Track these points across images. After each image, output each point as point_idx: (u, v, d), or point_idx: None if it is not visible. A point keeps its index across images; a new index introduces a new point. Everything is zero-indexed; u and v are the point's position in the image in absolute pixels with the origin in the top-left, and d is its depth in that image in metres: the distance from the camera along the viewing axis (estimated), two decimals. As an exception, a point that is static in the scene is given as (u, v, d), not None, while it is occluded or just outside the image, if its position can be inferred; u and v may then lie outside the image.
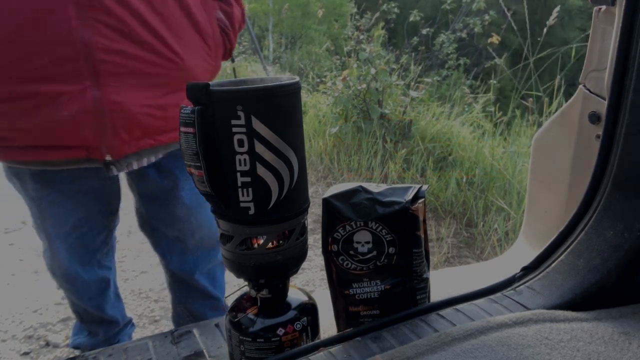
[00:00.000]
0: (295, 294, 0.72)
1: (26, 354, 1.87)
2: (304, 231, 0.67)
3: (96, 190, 1.13)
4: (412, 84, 4.38)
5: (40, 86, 0.88)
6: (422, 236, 0.71)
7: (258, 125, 0.58)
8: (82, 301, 1.30)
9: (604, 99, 0.83)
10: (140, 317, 1.91)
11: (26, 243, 2.42)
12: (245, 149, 0.58)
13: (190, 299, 1.33)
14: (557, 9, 3.21)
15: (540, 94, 3.12)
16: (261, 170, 0.59)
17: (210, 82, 0.59)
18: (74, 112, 0.90)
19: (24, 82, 0.88)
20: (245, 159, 0.59)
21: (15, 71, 0.87)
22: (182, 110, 0.60)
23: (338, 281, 0.73)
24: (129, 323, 1.46)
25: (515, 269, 0.79)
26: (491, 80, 4.32)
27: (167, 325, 1.81)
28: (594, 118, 0.87)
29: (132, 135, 0.98)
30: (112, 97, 0.92)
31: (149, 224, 1.26)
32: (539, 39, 3.20)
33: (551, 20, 3.17)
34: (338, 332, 0.74)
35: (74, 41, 0.86)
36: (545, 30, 3.19)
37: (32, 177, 1.06)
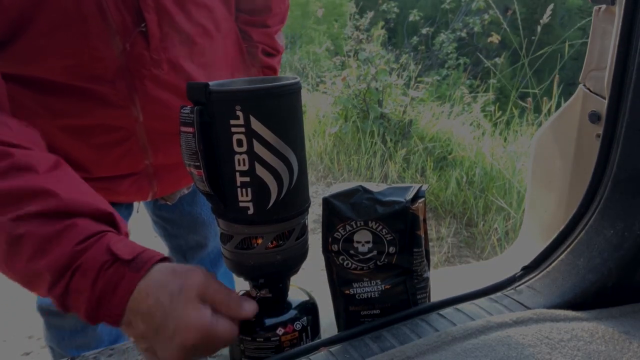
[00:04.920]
0: (295, 294, 0.72)
1: (27, 354, 1.88)
2: (304, 231, 0.67)
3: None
4: (412, 83, 4.38)
5: (102, 183, 0.93)
6: (423, 236, 0.71)
7: (257, 126, 0.58)
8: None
9: (604, 98, 0.83)
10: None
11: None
12: (244, 149, 0.58)
13: None
14: (551, 7, 3.21)
15: (535, 90, 3.12)
16: (260, 170, 0.59)
17: (209, 82, 0.59)
18: (131, 194, 0.97)
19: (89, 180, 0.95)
20: (244, 159, 0.59)
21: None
22: (181, 110, 0.60)
23: (338, 281, 0.73)
24: None
25: (515, 269, 0.79)
26: (491, 80, 4.32)
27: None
28: (594, 117, 0.87)
29: (177, 185, 1.05)
30: (162, 164, 0.96)
31: (166, 229, 1.23)
32: (533, 37, 3.21)
33: (545, 19, 3.18)
34: (338, 331, 0.74)
35: (137, 156, 0.92)
36: (539, 28, 3.20)
37: None
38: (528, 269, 0.77)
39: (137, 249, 0.60)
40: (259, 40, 1.06)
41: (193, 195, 1.15)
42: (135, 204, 1.15)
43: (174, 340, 0.56)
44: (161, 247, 1.31)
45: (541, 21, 3.18)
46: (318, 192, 3.52)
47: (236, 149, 0.59)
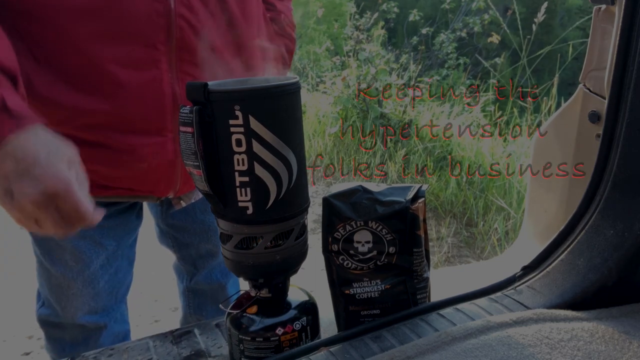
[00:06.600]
0: (295, 294, 0.72)
1: (27, 354, 1.87)
2: (303, 231, 0.67)
3: (127, 217, 1.04)
4: (412, 83, 4.38)
5: (127, 138, 0.87)
6: (422, 236, 0.71)
7: (256, 125, 0.58)
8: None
9: (604, 98, 0.83)
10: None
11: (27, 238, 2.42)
12: (243, 148, 0.58)
13: (210, 309, 1.25)
14: (545, 5, 3.20)
15: (533, 89, 3.12)
16: (259, 170, 0.59)
17: (208, 82, 0.59)
18: (153, 164, 0.89)
19: (114, 132, 0.86)
20: (243, 159, 0.59)
21: (106, 122, 0.85)
22: (181, 110, 0.60)
23: (338, 281, 0.73)
24: None
25: (515, 269, 0.79)
26: (491, 80, 4.32)
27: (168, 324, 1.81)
28: (594, 117, 0.87)
29: None
30: None
31: (177, 239, 1.19)
32: (528, 36, 3.20)
33: (540, 17, 3.18)
34: (338, 331, 0.74)
35: (165, 94, 0.85)
36: (534, 27, 3.19)
37: None
38: (528, 269, 0.77)
39: (26, 108, 0.65)
40: (282, 10, 1.10)
41: (205, 202, 1.13)
42: (146, 212, 1.12)
43: (36, 185, 0.59)
44: (168, 258, 1.28)
45: (536, 20, 3.18)
46: (318, 192, 3.52)
47: (235, 148, 0.59)
